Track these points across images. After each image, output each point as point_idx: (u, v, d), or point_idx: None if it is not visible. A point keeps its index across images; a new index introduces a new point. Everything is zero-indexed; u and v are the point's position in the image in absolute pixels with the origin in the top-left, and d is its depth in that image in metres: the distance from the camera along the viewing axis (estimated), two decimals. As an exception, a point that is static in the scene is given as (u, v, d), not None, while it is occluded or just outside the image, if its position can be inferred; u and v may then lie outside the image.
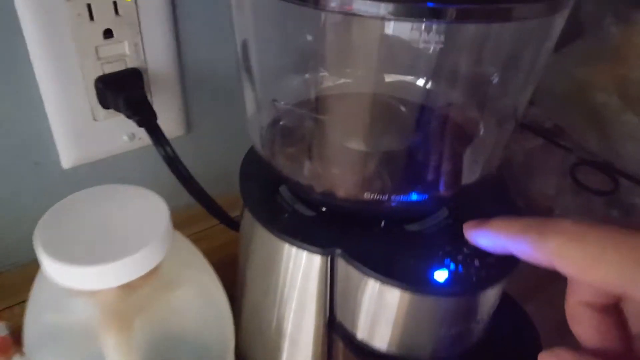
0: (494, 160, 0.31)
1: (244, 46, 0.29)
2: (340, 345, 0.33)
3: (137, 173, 0.40)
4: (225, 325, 0.32)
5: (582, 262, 0.19)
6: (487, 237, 0.24)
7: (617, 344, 0.21)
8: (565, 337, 0.50)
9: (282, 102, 0.33)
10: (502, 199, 0.33)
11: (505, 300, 0.34)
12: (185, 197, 0.38)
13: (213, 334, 0.31)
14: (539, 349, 0.33)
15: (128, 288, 0.25)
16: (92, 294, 0.25)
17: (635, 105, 0.57)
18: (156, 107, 0.39)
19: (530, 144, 0.65)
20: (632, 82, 0.59)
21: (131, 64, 0.36)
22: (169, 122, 0.40)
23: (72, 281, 0.24)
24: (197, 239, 0.46)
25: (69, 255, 0.24)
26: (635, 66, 0.59)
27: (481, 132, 0.30)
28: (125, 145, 0.39)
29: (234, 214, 0.39)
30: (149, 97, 0.38)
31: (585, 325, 0.22)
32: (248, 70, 0.30)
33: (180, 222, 0.45)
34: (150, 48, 0.36)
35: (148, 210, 0.27)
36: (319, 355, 0.34)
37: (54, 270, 0.23)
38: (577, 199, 0.58)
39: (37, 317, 0.27)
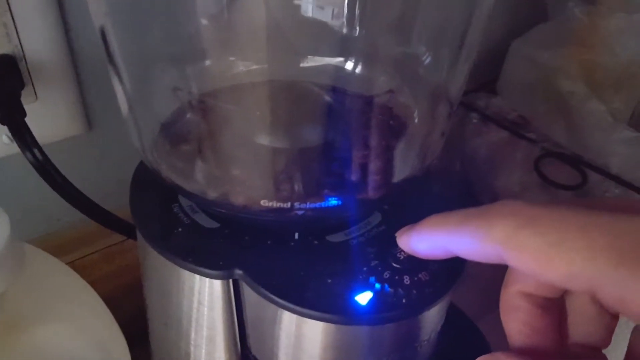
0: (430, 152, 0.26)
1: (103, 34, 0.23)
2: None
3: (25, 182, 0.34)
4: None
5: (539, 253, 0.15)
6: (422, 241, 0.20)
7: (549, 344, 0.18)
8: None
9: (174, 95, 0.27)
10: (443, 201, 0.28)
11: (453, 316, 0.28)
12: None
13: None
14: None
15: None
16: None
17: (602, 92, 0.53)
18: (43, 102, 0.33)
19: (494, 137, 0.60)
20: (598, 67, 0.55)
21: (2, 49, 0.30)
22: (63, 119, 0.34)
23: None
24: (108, 256, 0.40)
25: None
26: (601, 50, 0.55)
27: (413, 121, 0.25)
28: (6, 148, 0.32)
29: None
30: (30, 92, 0.32)
31: (519, 320, 0.18)
32: (113, 62, 0.24)
33: (87, 237, 0.39)
34: (26, 30, 0.30)
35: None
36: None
37: None
38: (544, 194, 0.54)
39: None
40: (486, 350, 0.30)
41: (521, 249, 0.15)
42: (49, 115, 0.33)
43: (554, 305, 0.18)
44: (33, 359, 0.22)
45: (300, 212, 0.21)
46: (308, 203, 0.21)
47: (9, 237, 0.20)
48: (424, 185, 0.29)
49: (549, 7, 0.62)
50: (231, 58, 0.27)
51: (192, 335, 0.26)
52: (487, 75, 0.65)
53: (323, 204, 0.21)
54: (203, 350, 0.26)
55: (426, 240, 0.19)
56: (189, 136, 0.24)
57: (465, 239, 0.17)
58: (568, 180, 0.52)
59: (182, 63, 0.25)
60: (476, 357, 0.26)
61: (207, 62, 0.25)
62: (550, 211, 0.15)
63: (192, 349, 0.26)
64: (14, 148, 0.33)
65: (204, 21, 0.23)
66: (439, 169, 0.68)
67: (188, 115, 0.24)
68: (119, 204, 0.32)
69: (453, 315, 0.27)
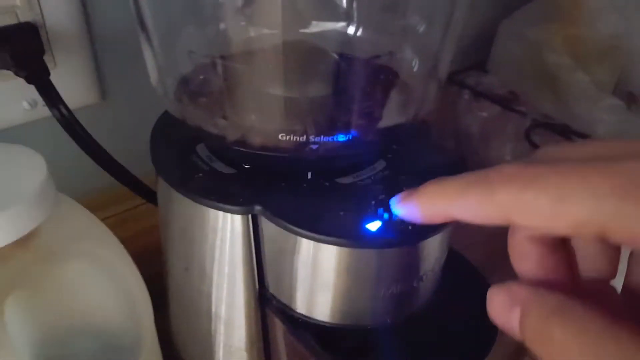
0: (422, 107, 0.28)
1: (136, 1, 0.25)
2: (276, 323, 0.29)
3: (45, 148, 0.35)
4: (138, 310, 0.27)
5: (546, 210, 0.16)
6: (422, 209, 0.20)
7: (562, 280, 0.18)
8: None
9: (195, 55, 0.29)
10: (443, 155, 0.30)
11: (455, 260, 0.31)
12: (106, 177, 0.34)
13: (121, 320, 0.27)
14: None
15: (-6, 258, 0.21)
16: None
17: (586, 63, 0.55)
18: (60, 70, 0.34)
19: (486, 112, 0.62)
20: (582, 41, 0.57)
21: (24, 17, 0.31)
22: (79, 88, 0.36)
23: None
24: (120, 221, 0.41)
25: None
26: (584, 24, 0.57)
27: (405, 75, 0.27)
28: (27, 114, 0.34)
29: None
30: (50, 59, 0.33)
31: (530, 261, 0.19)
32: (143, 26, 0.26)
33: (101, 203, 0.40)
34: (48, 0, 0.32)
35: (22, 170, 0.22)
36: (255, 336, 0.30)
37: None
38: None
39: None
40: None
41: (528, 210, 0.16)
42: (67, 83, 0.35)
43: (561, 244, 0.19)
44: (62, 292, 0.24)
45: (314, 147, 0.23)
46: (322, 137, 0.23)
47: (47, 175, 0.22)
48: (424, 139, 0.31)
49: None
50: (243, 23, 0.28)
51: (214, 275, 0.28)
52: (477, 56, 0.68)
53: (334, 138, 0.23)
54: (224, 291, 0.28)
55: (427, 209, 0.20)
56: (211, 89, 0.26)
57: (468, 206, 0.18)
58: (557, 150, 0.55)
59: (201, 27, 0.27)
60: (478, 304, 0.28)
61: (222, 26, 0.27)
62: (549, 168, 0.16)
63: (213, 289, 0.28)
64: (34, 115, 0.35)
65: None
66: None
67: (209, 72, 0.26)
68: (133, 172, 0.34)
69: (455, 263, 0.29)
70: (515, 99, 0.61)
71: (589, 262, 0.19)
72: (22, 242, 0.21)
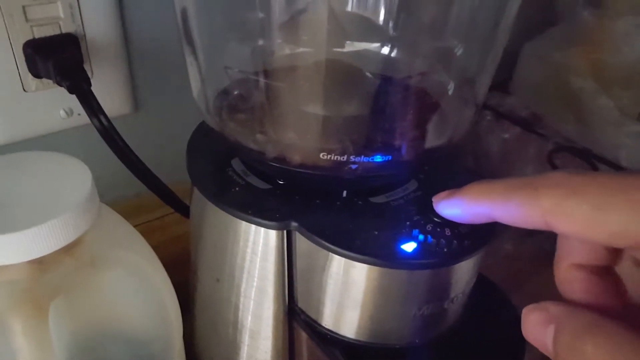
0: (458, 129, 0.28)
1: (184, 14, 0.26)
2: (303, 336, 0.30)
3: (78, 155, 0.36)
4: (169, 317, 0.28)
5: (586, 217, 0.16)
6: (463, 206, 0.21)
7: (610, 307, 0.19)
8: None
9: (235, 70, 0.30)
10: (473, 177, 0.30)
11: (483, 282, 0.31)
12: (136, 186, 0.35)
13: (153, 326, 0.27)
14: (519, 332, 0.30)
15: (41, 265, 0.21)
16: (-3, 272, 0.21)
17: (610, 88, 0.56)
18: (97, 80, 0.35)
19: (507, 133, 0.63)
20: (607, 66, 0.58)
21: (66, 28, 0.32)
22: (114, 98, 0.37)
23: (-28, 256, 0.20)
24: (148, 230, 0.42)
25: (-32, 226, 0.20)
26: (610, 50, 0.58)
27: (443, 99, 0.28)
28: (63, 122, 0.35)
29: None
30: (88, 69, 0.34)
31: (577, 288, 0.19)
32: (190, 40, 0.27)
33: (129, 211, 0.41)
34: (89, 12, 0.33)
35: (69, 179, 0.23)
36: (281, 348, 0.30)
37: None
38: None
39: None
40: (516, 320, 0.31)
41: (569, 216, 0.17)
42: (102, 93, 0.35)
43: (606, 272, 0.19)
44: (100, 298, 0.25)
45: (354, 167, 0.24)
46: (362, 157, 0.23)
47: (92, 185, 0.23)
48: (453, 162, 0.31)
49: (559, 11, 0.65)
50: (284, 40, 0.29)
51: (243, 286, 0.28)
52: (499, 76, 0.68)
53: (373, 158, 0.24)
54: (252, 302, 0.28)
55: (469, 207, 0.21)
56: (251, 105, 0.26)
57: (511, 208, 0.18)
58: (579, 173, 0.55)
59: (244, 42, 0.28)
60: (504, 327, 0.28)
61: (264, 43, 0.28)
62: (591, 178, 0.17)
63: (242, 300, 0.29)
64: (69, 122, 0.36)
65: (267, 9, 0.26)
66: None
67: (250, 87, 0.27)
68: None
69: (482, 286, 0.29)
70: (537, 120, 0.61)
71: (634, 288, 0.19)
72: (68, 249, 0.22)
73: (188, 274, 0.34)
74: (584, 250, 0.19)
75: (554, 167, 0.55)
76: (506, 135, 0.63)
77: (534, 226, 0.18)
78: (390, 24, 0.29)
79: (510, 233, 0.60)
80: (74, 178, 0.23)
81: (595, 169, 0.54)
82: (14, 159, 0.24)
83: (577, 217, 0.17)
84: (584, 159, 0.55)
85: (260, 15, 0.27)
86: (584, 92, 0.55)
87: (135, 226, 0.40)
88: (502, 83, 0.67)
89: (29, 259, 0.20)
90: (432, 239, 0.24)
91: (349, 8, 0.28)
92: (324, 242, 0.24)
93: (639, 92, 0.59)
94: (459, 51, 0.29)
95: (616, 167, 0.53)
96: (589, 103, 0.55)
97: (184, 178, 0.32)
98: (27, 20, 0.31)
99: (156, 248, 0.29)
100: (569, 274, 0.19)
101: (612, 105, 0.54)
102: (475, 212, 0.21)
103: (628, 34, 0.58)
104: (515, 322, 0.31)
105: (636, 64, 0.57)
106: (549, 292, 0.60)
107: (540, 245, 0.59)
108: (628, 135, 0.53)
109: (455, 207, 0.22)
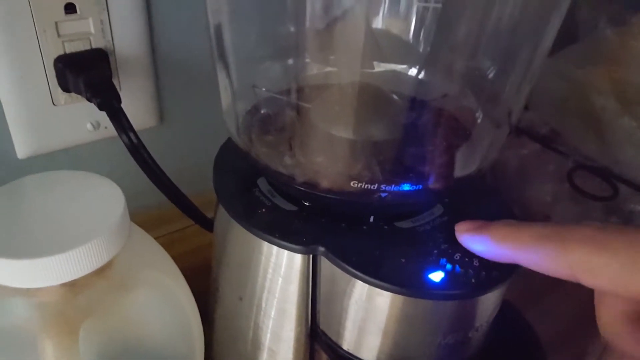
0: (488, 157, 0.28)
1: (218, 31, 0.26)
2: (324, 357, 0.30)
3: (103, 166, 0.37)
4: (193, 335, 0.28)
5: (615, 275, 0.17)
6: (489, 245, 0.21)
7: None
8: (565, 344, 0.47)
9: (263, 89, 0.30)
10: (497, 201, 0.30)
11: (505, 307, 0.30)
12: (157, 196, 0.35)
13: (177, 344, 0.27)
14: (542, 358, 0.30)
15: (73, 287, 0.21)
16: (31, 293, 0.21)
17: (633, 108, 0.55)
18: (125, 94, 0.35)
19: (526, 149, 0.62)
20: (630, 85, 0.57)
21: (96, 44, 0.33)
22: (140, 111, 0.37)
23: (7, 278, 0.20)
24: (169, 242, 0.42)
25: (4, 248, 0.20)
26: (633, 69, 0.57)
27: (475, 126, 0.28)
28: (89, 135, 0.35)
29: (211, 214, 0.36)
30: (116, 83, 0.34)
31: (626, 338, 0.19)
32: (222, 57, 0.27)
33: (150, 222, 0.41)
34: (119, 27, 0.33)
35: (101, 200, 0.23)
36: (299, 368, 0.30)
37: (-16, 265, 0.20)
38: (575, 205, 0.56)
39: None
40: (537, 345, 0.31)
41: (597, 273, 0.17)
42: (129, 106, 0.36)
43: None
44: (129, 318, 0.25)
45: (383, 195, 0.24)
46: (392, 186, 0.23)
47: (125, 207, 0.23)
48: (478, 184, 0.31)
49: (580, 27, 0.65)
50: (314, 61, 0.29)
51: (265, 306, 0.28)
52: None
53: (404, 188, 0.24)
54: (272, 321, 0.29)
55: (494, 247, 0.21)
56: (281, 125, 0.26)
57: (539, 257, 0.19)
58: (598, 192, 0.54)
59: (276, 61, 0.28)
60: (527, 353, 0.28)
61: (295, 63, 0.28)
62: (621, 235, 0.17)
63: (262, 319, 0.29)
64: (96, 135, 0.36)
65: (299, 29, 0.26)
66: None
67: (280, 107, 0.27)
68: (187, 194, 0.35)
69: (503, 309, 0.29)
70: (556, 137, 0.61)
71: None
72: (100, 271, 0.22)
73: (208, 286, 0.34)
74: (620, 299, 0.19)
75: (574, 186, 0.54)
76: (525, 151, 0.62)
77: (560, 277, 0.19)
78: (422, 44, 0.29)
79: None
80: (107, 200, 0.23)
81: (615, 188, 0.53)
82: (47, 178, 0.24)
83: (605, 274, 0.17)
84: (603, 178, 0.55)
85: (293, 30, 0.27)
86: (605, 111, 0.55)
87: (156, 238, 0.40)
88: (521, 98, 0.67)
89: (62, 282, 0.21)
90: (459, 269, 0.24)
91: (380, 26, 0.28)
92: (350, 268, 0.24)
93: (662, 112, 0.58)
94: (491, 74, 0.29)
95: (637, 187, 0.52)
96: (610, 122, 0.55)
97: (205, 189, 0.32)
98: (59, 35, 0.31)
99: (177, 259, 0.29)
100: (613, 324, 0.19)
101: (635, 126, 0.54)
102: (500, 253, 0.21)
103: (652, 53, 0.57)
104: (536, 345, 0.31)
105: (659, 84, 0.57)
106: (565, 307, 0.59)
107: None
108: (649, 156, 0.52)
109: (480, 243, 0.22)
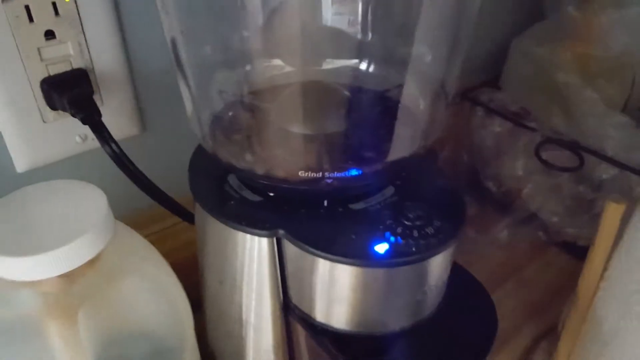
0: (430, 134, 0.31)
1: (174, 44, 0.30)
2: (299, 329, 0.33)
3: (94, 174, 0.40)
4: (181, 314, 0.32)
5: None
6: None
7: None
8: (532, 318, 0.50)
9: (225, 94, 0.33)
10: (444, 181, 0.33)
11: (460, 275, 0.34)
12: (146, 198, 0.39)
13: (168, 323, 0.31)
14: (494, 318, 0.33)
15: (69, 277, 0.25)
16: (34, 284, 0.25)
17: (596, 81, 0.58)
18: (107, 107, 0.39)
19: (498, 128, 0.65)
20: (592, 59, 0.60)
21: (76, 64, 0.36)
22: (123, 121, 0.41)
23: (12, 273, 0.24)
24: (161, 238, 0.46)
25: (8, 247, 0.24)
26: (593, 43, 0.60)
27: (411, 108, 0.31)
28: (78, 147, 0.39)
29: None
30: (98, 98, 0.38)
31: None
32: (180, 67, 0.30)
33: (143, 222, 0.45)
34: (95, 48, 0.37)
35: (87, 202, 0.27)
36: (280, 339, 0.34)
37: (-5, 263, 0.24)
38: (546, 178, 0.59)
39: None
40: (489, 304, 0.35)
41: None
42: (112, 118, 0.40)
43: None
44: (119, 303, 0.29)
45: (329, 181, 0.27)
46: (335, 173, 0.27)
47: (108, 206, 0.27)
48: (429, 166, 0.35)
49: (546, 6, 0.67)
50: (266, 63, 0.33)
51: (244, 288, 0.32)
52: (491, 72, 0.71)
53: (346, 174, 0.27)
54: (253, 301, 0.32)
55: None
56: (239, 126, 0.30)
57: None
58: (567, 164, 0.57)
59: (230, 68, 0.31)
60: (479, 313, 0.31)
61: (249, 67, 0.32)
62: None
63: (243, 300, 0.33)
64: (84, 147, 0.40)
65: (246, 35, 0.30)
66: (449, 159, 0.74)
67: (238, 110, 0.31)
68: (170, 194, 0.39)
69: (458, 276, 0.33)
70: (526, 115, 0.64)
71: None
72: (91, 263, 0.26)
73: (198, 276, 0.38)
74: None
75: (541, 160, 0.57)
76: (498, 129, 0.65)
77: None
78: (359, 36, 0.32)
79: (504, 222, 0.63)
80: (91, 201, 0.27)
81: (582, 159, 0.56)
82: (40, 188, 0.28)
83: None
84: (571, 150, 0.58)
85: (240, 37, 0.30)
86: (569, 86, 0.57)
87: (149, 235, 0.44)
88: (493, 78, 0.70)
89: (59, 273, 0.24)
90: (401, 240, 0.27)
91: (321, 23, 0.31)
92: (307, 247, 0.28)
93: (624, 83, 0.61)
94: (427, 58, 0.32)
95: (602, 157, 0.55)
96: (574, 97, 0.57)
97: (189, 189, 0.36)
98: (42, 59, 0.35)
99: (169, 253, 0.33)
100: None
101: (597, 98, 0.56)
102: None
103: (612, 26, 0.60)
104: (488, 306, 0.34)
105: (619, 57, 0.59)
106: (543, 278, 0.63)
107: (535, 232, 0.62)
108: (613, 126, 0.55)
109: None
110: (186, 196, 0.40)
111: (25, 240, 0.24)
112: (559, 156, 0.59)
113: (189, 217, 0.41)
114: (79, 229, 0.25)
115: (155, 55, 0.41)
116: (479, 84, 0.69)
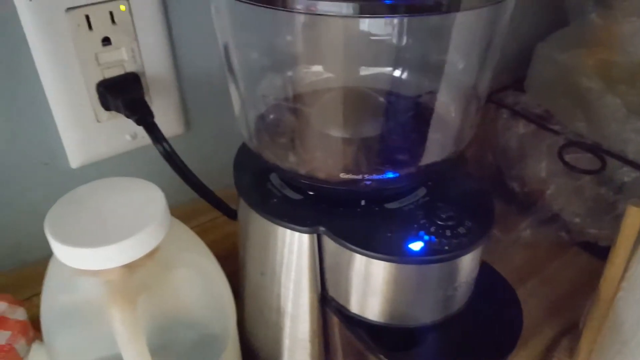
0: (462, 140, 0.33)
1: (226, 49, 0.32)
2: (334, 320, 0.36)
3: (142, 170, 0.43)
4: (225, 305, 0.34)
5: None
6: None
7: None
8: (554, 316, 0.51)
9: (270, 97, 0.36)
10: (475, 183, 0.35)
11: (488, 273, 0.36)
12: (190, 193, 0.41)
13: (213, 313, 0.34)
14: (519, 316, 0.35)
15: (130, 267, 0.28)
16: (98, 273, 0.27)
17: (617, 87, 0.59)
18: (155, 108, 0.42)
19: (522, 130, 0.67)
20: (613, 65, 0.61)
21: (129, 68, 0.39)
22: (169, 121, 0.43)
23: (79, 263, 0.27)
24: (202, 231, 0.48)
25: (76, 240, 0.26)
26: (615, 50, 0.61)
27: (445, 115, 0.33)
28: (129, 144, 0.42)
29: (235, 206, 0.42)
30: (148, 99, 0.41)
31: None
32: (231, 71, 0.33)
33: (185, 215, 0.48)
34: (147, 53, 0.39)
35: (146, 198, 0.29)
36: (316, 329, 0.37)
37: (63, 254, 0.26)
38: (569, 180, 0.60)
39: (51, 300, 0.30)
40: (514, 300, 0.36)
41: None
42: (159, 118, 0.42)
43: None
44: (171, 292, 0.31)
45: (367, 182, 0.29)
46: (373, 175, 0.29)
47: (165, 202, 0.29)
48: (459, 168, 0.36)
49: (569, 12, 0.68)
50: (306, 70, 0.35)
51: (283, 279, 0.34)
52: (515, 75, 0.72)
53: (383, 176, 0.30)
54: (291, 292, 0.35)
55: None
56: (282, 129, 0.32)
57: None
58: (589, 166, 0.58)
59: (274, 72, 0.34)
60: (506, 309, 0.32)
61: (290, 73, 0.34)
62: None
63: (282, 291, 0.35)
64: (134, 144, 0.43)
65: (291, 41, 0.32)
66: (474, 160, 0.75)
67: (280, 113, 0.33)
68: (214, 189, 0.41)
69: (487, 274, 0.34)
70: (549, 117, 0.65)
71: None
72: (150, 255, 0.28)
73: (237, 266, 0.40)
74: None
75: (564, 162, 0.59)
76: (522, 131, 0.67)
77: None
78: (395, 44, 0.34)
79: (528, 222, 0.64)
80: (150, 197, 0.29)
81: (603, 161, 0.58)
82: (102, 185, 0.30)
83: None
84: (593, 153, 0.59)
85: (288, 45, 0.32)
86: (590, 91, 0.58)
87: (191, 228, 0.47)
88: (518, 80, 0.71)
89: (122, 264, 0.27)
90: (435, 239, 0.30)
91: (360, 34, 0.33)
92: (346, 243, 0.30)
93: (646, 88, 0.62)
94: (460, 66, 0.34)
95: (623, 160, 0.56)
96: (596, 101, 0.59)
97: (229, 185, 0.38)
98: (98, 64, 0.37)
99: (210, 245, 0.35)
100: None
101: (618, 103, 0.58)
102: None
103: (634, 34, 0.61)
104: (514, 304, 0.36)
105: (642, 62, 0.60)
106: (564, 277, 0.64)
107: (557, 232, 0.63)
108: (634, 130, 0.56)
109: None
110: (225, 191, 0.43)
111: (91, 233, 0.27)
112: (581, 159, 0.60)
113: (228, 212, 0.43)
114: (140, 223, 0.27)
115: (200, 60, 0.43)
116: (504, 86, 0.70)
